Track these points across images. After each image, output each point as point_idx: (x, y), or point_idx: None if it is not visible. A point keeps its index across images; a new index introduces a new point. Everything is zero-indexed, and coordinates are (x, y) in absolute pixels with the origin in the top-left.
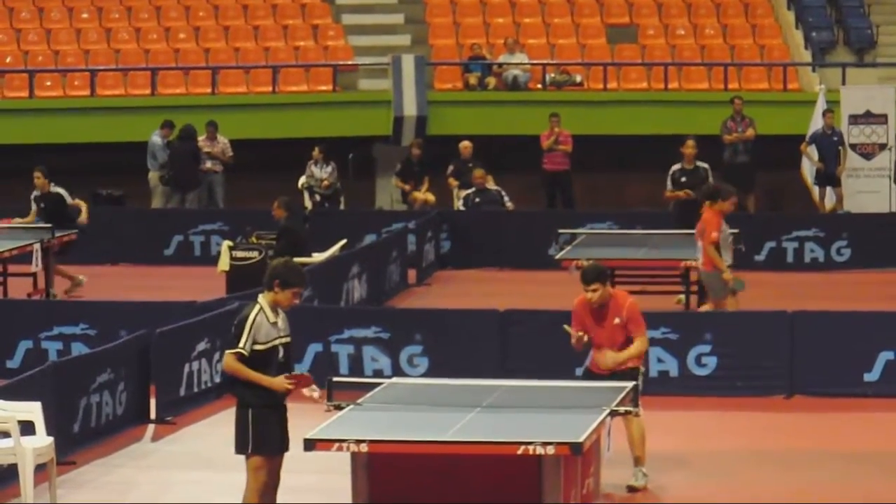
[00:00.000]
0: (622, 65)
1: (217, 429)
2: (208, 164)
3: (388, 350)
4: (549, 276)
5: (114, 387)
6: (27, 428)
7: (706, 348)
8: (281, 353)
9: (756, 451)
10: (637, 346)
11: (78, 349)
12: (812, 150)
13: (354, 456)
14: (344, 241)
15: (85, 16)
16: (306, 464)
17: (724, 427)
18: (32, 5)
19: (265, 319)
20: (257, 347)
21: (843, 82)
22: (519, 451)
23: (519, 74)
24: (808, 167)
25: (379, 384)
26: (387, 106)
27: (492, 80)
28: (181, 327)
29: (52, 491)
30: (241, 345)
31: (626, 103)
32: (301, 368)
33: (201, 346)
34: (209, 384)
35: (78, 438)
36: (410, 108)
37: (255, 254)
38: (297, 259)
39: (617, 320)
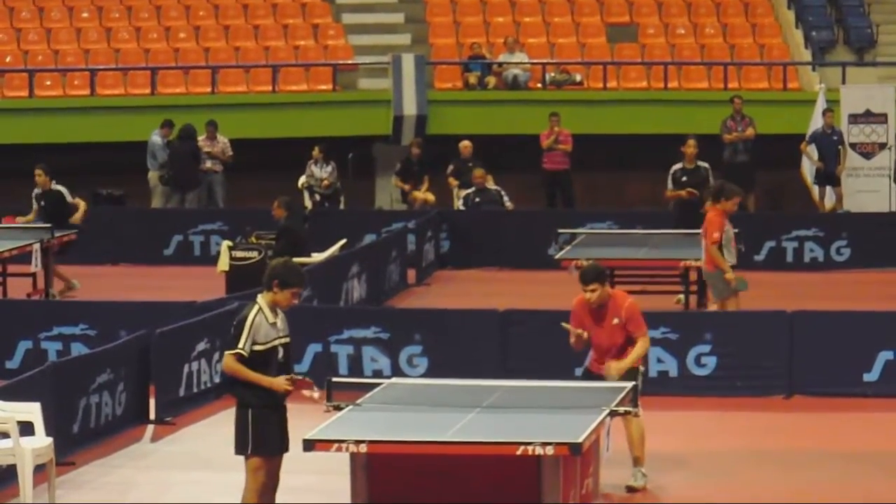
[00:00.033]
0: (622, 64)
1: (217, 429)
2: (208, 164)
3: (387, 350)
4: (549, 276)
5: (113, 387)
6: (26, 428)
7: (706, 348)
8: (280, 354)
9: (756, 451)
10: (639, 348)
11: (77, 349)
12: (812, 150)
13: (354, 456)
14: (343, 241)
15: (85, 15)
16: (305, 464)
17: (724, 427)
18: (32, 5)
19: (264, 320)
20: (257, 348)
21: (843, 81)
22: (518, 452)
23: (519, 74)
24: (808, 166)
25: (378, 384)
26: (386, 105)
27: (492, 80)
28: (181, 327)
29: (52, 491)
30: (240, 345)
31: (626, 102)
32: (300, 369)
33: (201, 347)
34: (209, 384)
35: (77, 439)
36: (410, 108)
37: (254, 254)
38: (296, 259)
39: (616, 321)
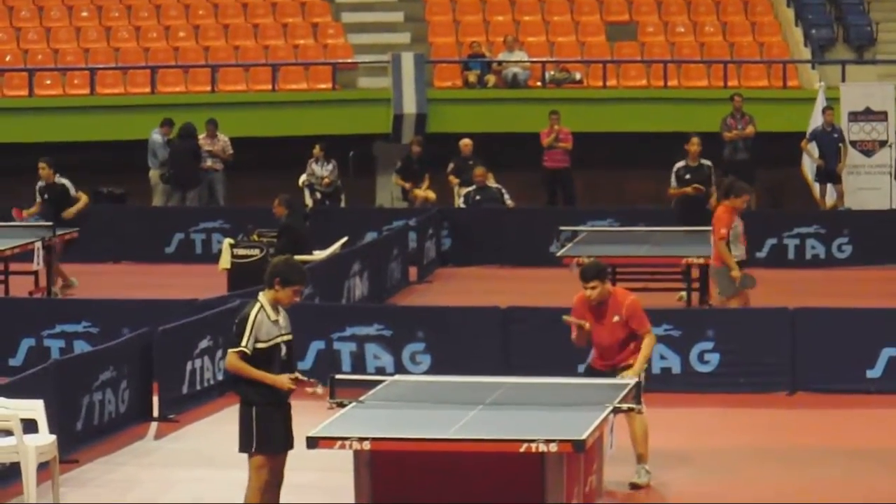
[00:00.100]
0: (622, 62)
1: (220, 426)
2: (209, 163)
3: (390, 347)
4: (551, 274)
5: (116, 385)
6: (30, 426)
7: (709, 345)
8: (283, 351)
9: (759, 448)
10: (646, 347)
11: (80, 347)
12: (812, 147)
13: (357, 454)
14: (345, 239)
15: (84, 14)
16: (309, 461)
17: (727, 424)
18: (32, 4)
19: (266, 317)
20: (259, 346)
21: (843, 79)
22: (521, 449)
23: (519, 72)
24: (809, 164)
25: (381, 382)
26: (386, 104)
27: (491, 78)
28: (183, 325)
29: (55, 489)
30: (243, 343)
31: (626, 101)
32: (304, 366)
33: (203, 344)
34: (211, 382)
35: (80, 436)
36: (410, 106)
37: (256, 252)
38: (297, 257)
39: (616, 318)
